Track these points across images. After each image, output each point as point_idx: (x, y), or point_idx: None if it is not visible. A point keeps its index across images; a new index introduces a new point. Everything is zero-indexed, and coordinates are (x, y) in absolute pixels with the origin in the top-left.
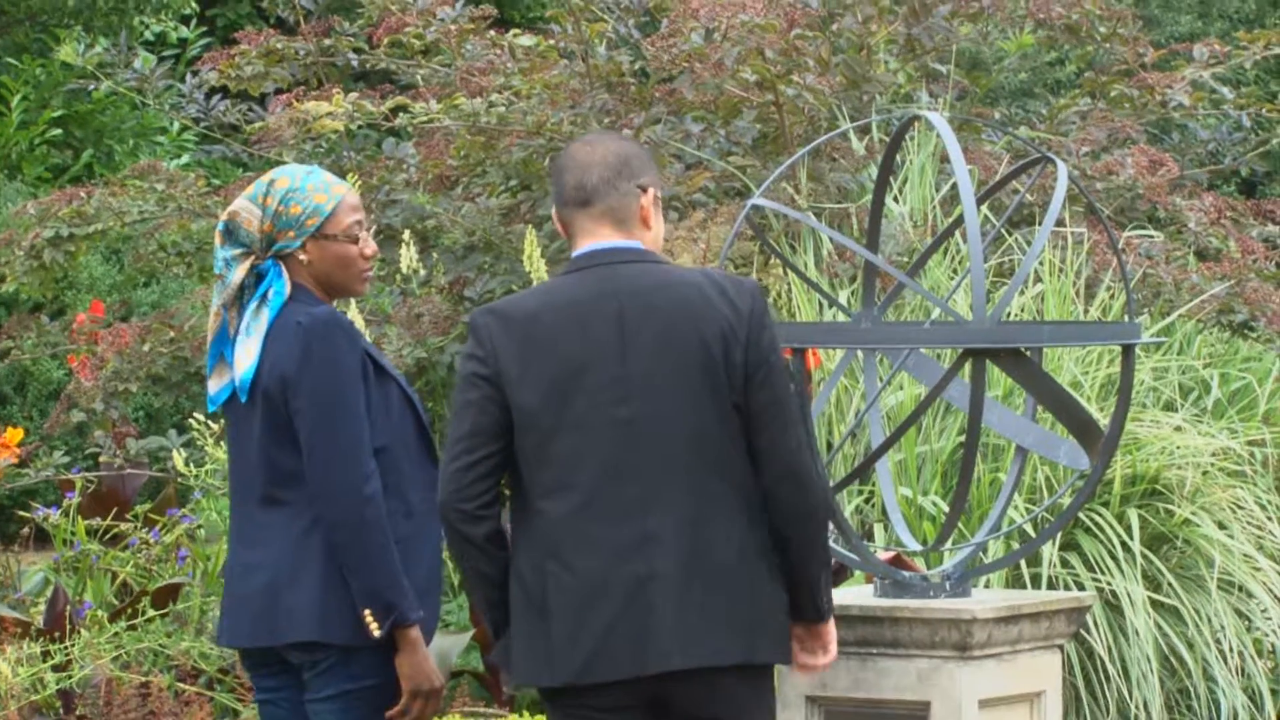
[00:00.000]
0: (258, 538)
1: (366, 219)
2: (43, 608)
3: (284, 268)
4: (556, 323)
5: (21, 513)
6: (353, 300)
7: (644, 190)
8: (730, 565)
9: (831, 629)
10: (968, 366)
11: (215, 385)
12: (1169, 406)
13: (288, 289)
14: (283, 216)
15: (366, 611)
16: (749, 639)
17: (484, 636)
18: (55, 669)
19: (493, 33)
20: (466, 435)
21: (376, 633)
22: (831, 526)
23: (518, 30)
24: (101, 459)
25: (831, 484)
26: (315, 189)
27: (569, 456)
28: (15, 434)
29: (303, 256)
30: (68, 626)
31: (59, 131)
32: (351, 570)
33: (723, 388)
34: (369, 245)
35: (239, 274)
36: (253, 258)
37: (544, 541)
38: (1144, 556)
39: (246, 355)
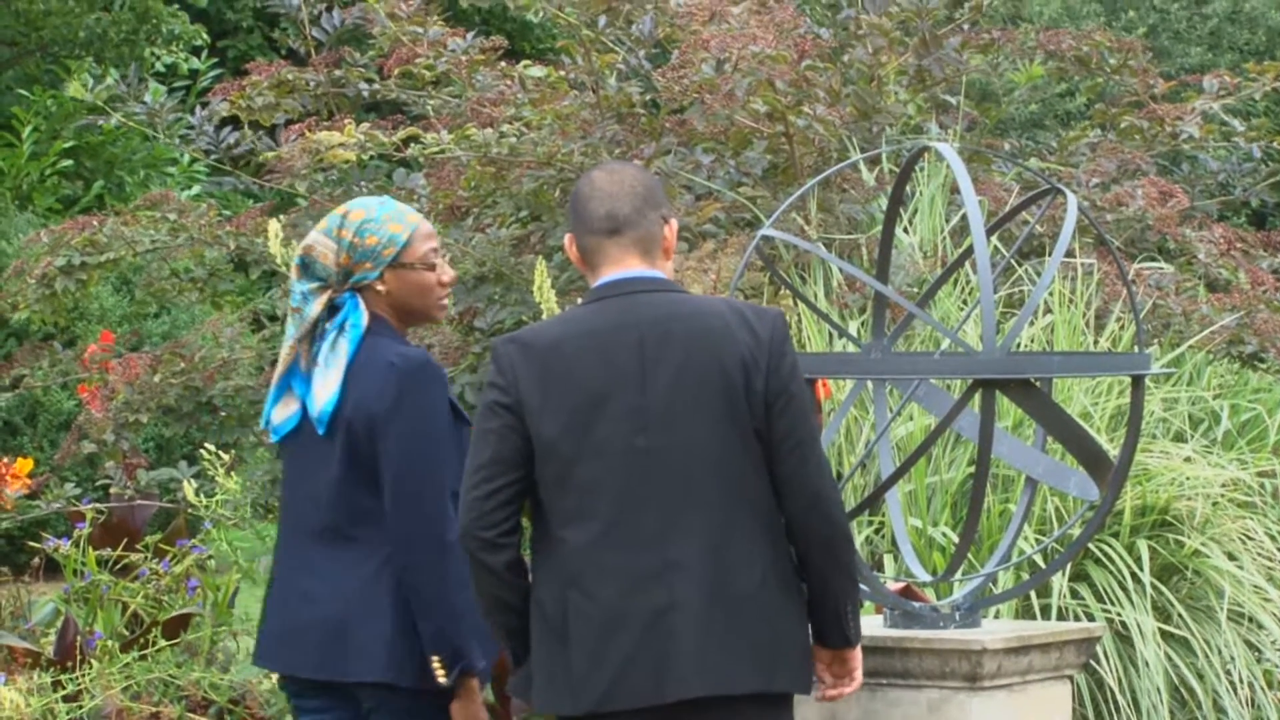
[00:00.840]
0: (320, 569)
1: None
2: (53, 638)
3: (361, 299)
4: (577, 352)
5: (32, 543)
6: None
7: (666, 221)
8: (752, 593)
9: (858, 655)
10: (978, 397)
11: (281, 416)
12: (1179, 437)
13: (365, 321)
14: (359, 248)
15: (435, 657)
16: (769, 667)
17: (496, 667)
18: (66, 699)
19: (503, 64)
20: (487, 463)
21: (443, 679)
22: None
23: (528, 61)
24: (112, 490)
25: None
26: (390, 219)
27: (589, 485)
28: (26, 465)
29: (381, 287)
30: (78, 657)
31: (70, 162)
32: (424, 615)
33: (743, 415)
34: (446, 272)
35: (317, 307)
36: (330, 290)
37: (564, 570)
38: (1154, 587)
39: (325, 388)
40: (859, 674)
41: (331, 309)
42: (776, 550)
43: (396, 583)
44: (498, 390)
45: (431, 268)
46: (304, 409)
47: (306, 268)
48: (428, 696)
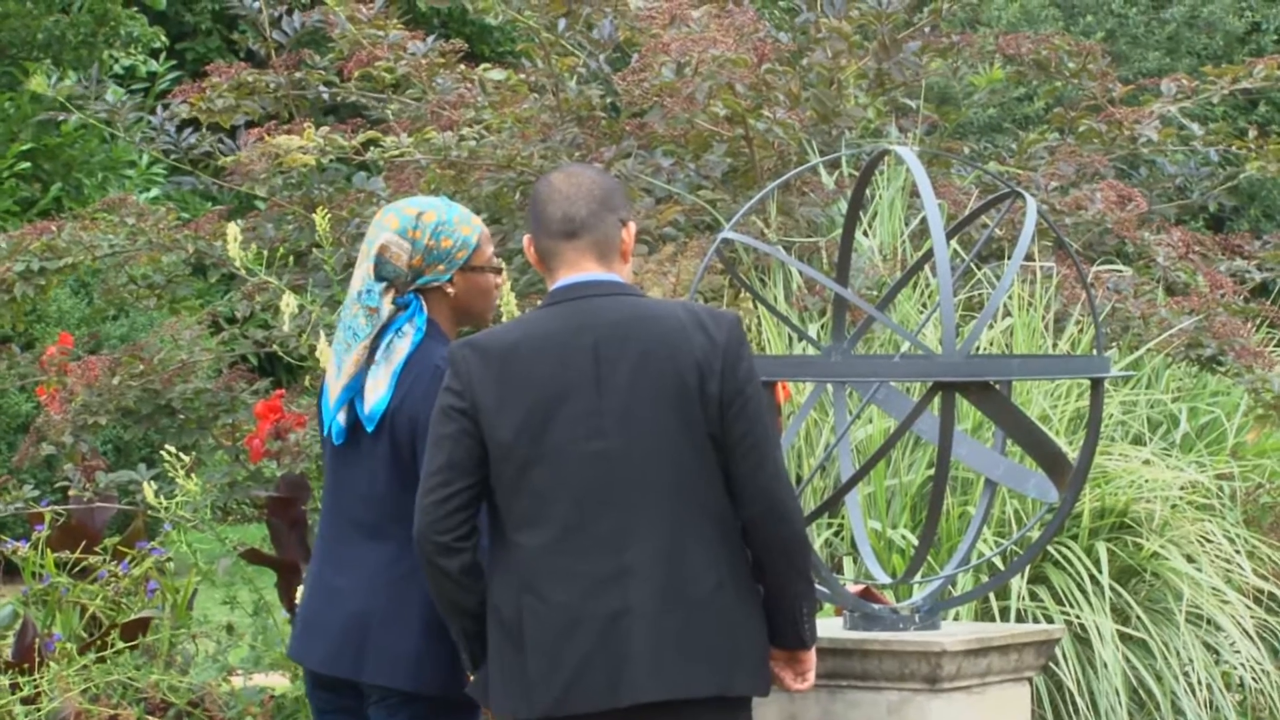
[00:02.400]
0: (350, 564)
1: (335, 253)
2: (11, 640)
3: (423, 301)
4: (533, 356)
5: None
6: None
7: (624, 224)
8: (708, 598)
9: (812, 657)
10: (937, 400)
11: (347, 417)
12: (1138, 440)
13: (426, 322)
14: (434, 250)
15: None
16: (726, 671)
17: None
18: (24, 702)
19: (463, 67)
20: (443, 468)
21: (473, 678)
22: None
23: (488, 64)
24: (71, 492)
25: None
26: (461, 221)
27: (544, 489)
28: None
29: (450, 289)
30: (36, 659)
31: (28, 165)
32: None
33: (698, 419)
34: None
35: (384, 306)
36: (394, 290)
37: (519, 574)
38: (1113, 590)
39: (377, 387)
40: (812, 675)
41: (398, 307)
42: (733, 554)
43: (426, 586)
44: (453, 395)
45: (498, 271)
46: (353, 407)
47: (378, 267)
48: (447, 705)
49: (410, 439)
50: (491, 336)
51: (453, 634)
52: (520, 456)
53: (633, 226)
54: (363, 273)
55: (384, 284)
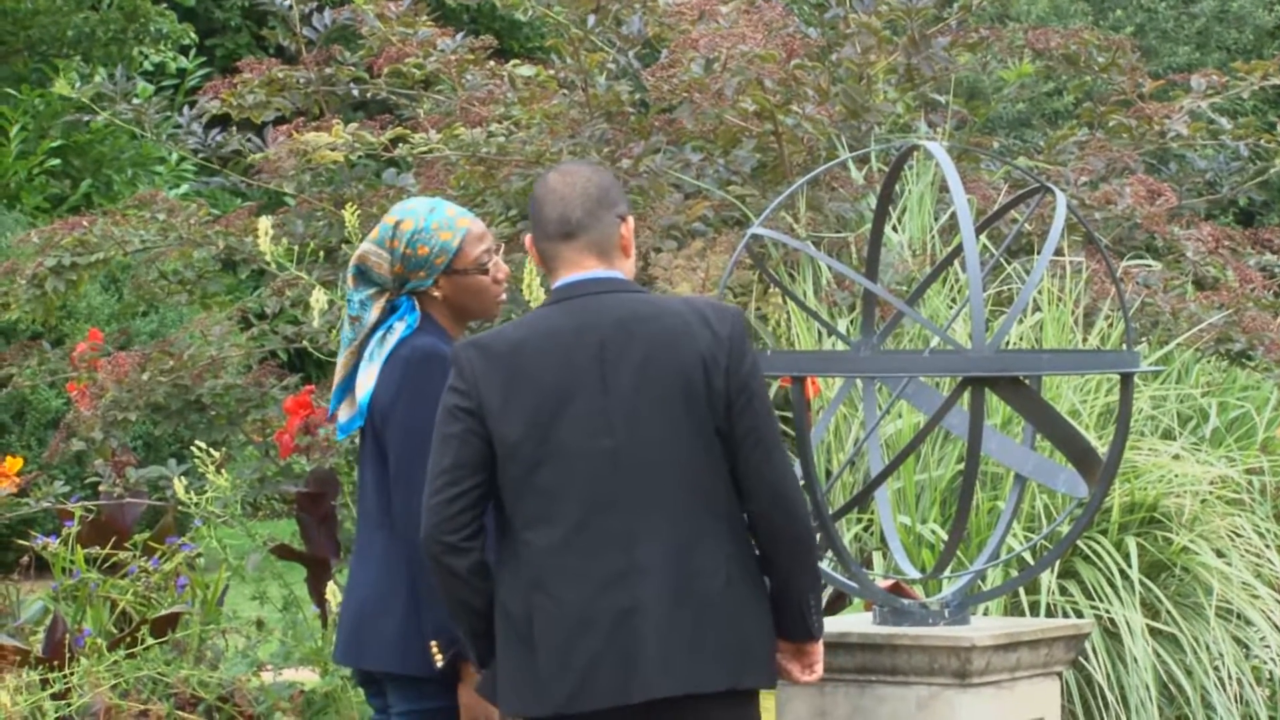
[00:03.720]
0: (360, 555)
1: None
2: (41, 636)
3: (417, 301)
4: (538, 354)
5: (20, 541)
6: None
7: (623, 219)
8: (718, 593)
9: (819, 649)
10: (967, 395)
11: (345, 415)
12: (1167, 435)
13: (418, 320)
14: (411, 259)
15: (434, 642)
16: (736, 665)
17: None
18: (54, 697)
19: (492, 63)
20: (450, 468)
21: (439, 663)
22: (830, 553)
23: (517, 61)
24: (101, 488)
25: (830, 512)
26: (440, 227)
27: (552, 488)
28: (14, 463)
29: (436, 293)
30: (66, 655)
31: (57, 161)
32: (428, 603)
33: (705, 415)
34: (500, 269)
35: (374, 313)
36: (387, 295)
37: (528, 573)
38: (1142, 584)
39: (365, 381)
40: (819, 667)
41: (390, 309)
42: (740, 549)
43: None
44: (458, 394)
45: (484, 271)
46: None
47: (363, 275)
48: (434, 684)
49: (383, 425)
50: (495, 336)
51: (461, 633)
52: (527, 455)
53: (631, 222)
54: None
55: (375, 289)
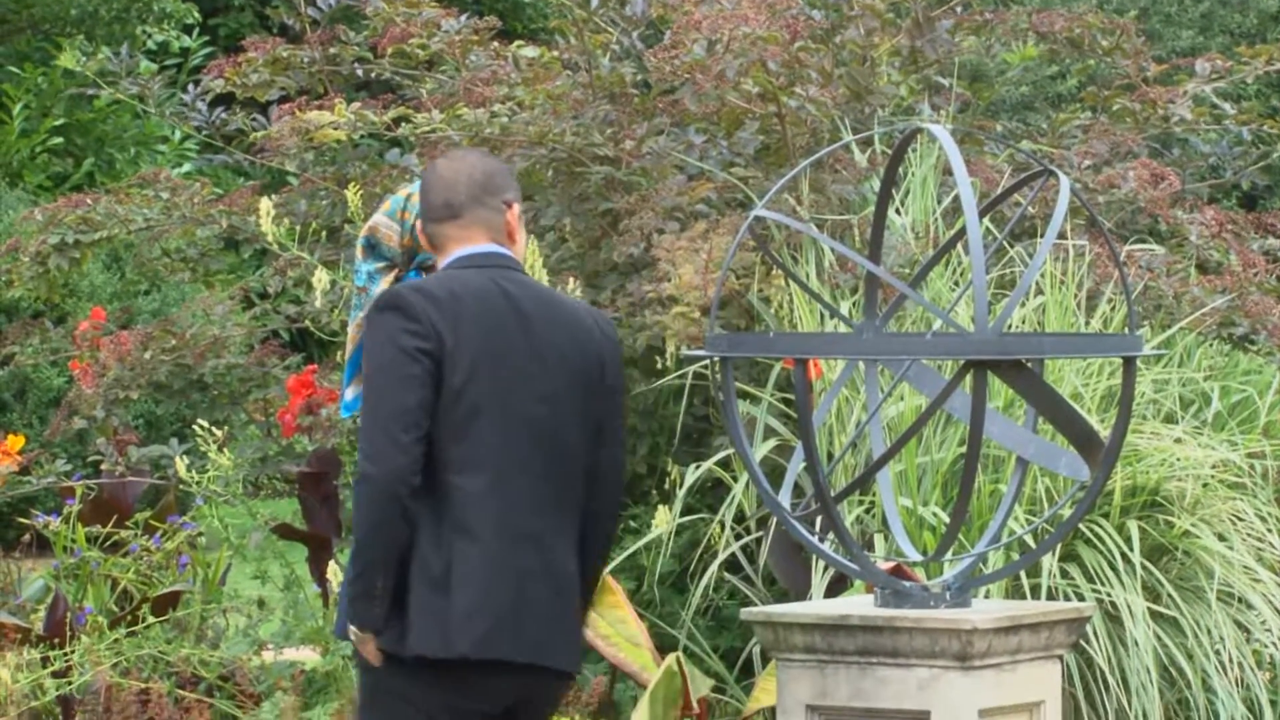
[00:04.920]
0: None
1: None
2: (43, 614)
3: (425, 276)
4: (475, 309)
5: (22, 519)
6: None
7: (509, 205)
8: (573, 579)
9: None
10: (969, 378)
11: (352, 393)
12: (1169, 418)
13: None
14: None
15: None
16: (578, 648)
17: None
18: (55, 675)
19: (496, 44)
20: (415, 407)
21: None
22: (832, 535)
23: (521, 41)
24: (103, 466)
25: (833, 494)
26: None
27: (487, 437)
28: (16, 441)
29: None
30: (67, 633)
31: (60, 139)
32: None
33: (594, 408)
34: None
35: (384, 285)
36: (396, 270)
37: (453, 515)
38: (1144, 568)
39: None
40: None
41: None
42: (578, 542)
43: None
44: (417, 337)
45: None
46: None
47: (372, 248)
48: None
49: None
50: (432, 285)
51: (375, 590)
52: (469, 402)
53: (517, 209)
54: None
55: (384, 264)
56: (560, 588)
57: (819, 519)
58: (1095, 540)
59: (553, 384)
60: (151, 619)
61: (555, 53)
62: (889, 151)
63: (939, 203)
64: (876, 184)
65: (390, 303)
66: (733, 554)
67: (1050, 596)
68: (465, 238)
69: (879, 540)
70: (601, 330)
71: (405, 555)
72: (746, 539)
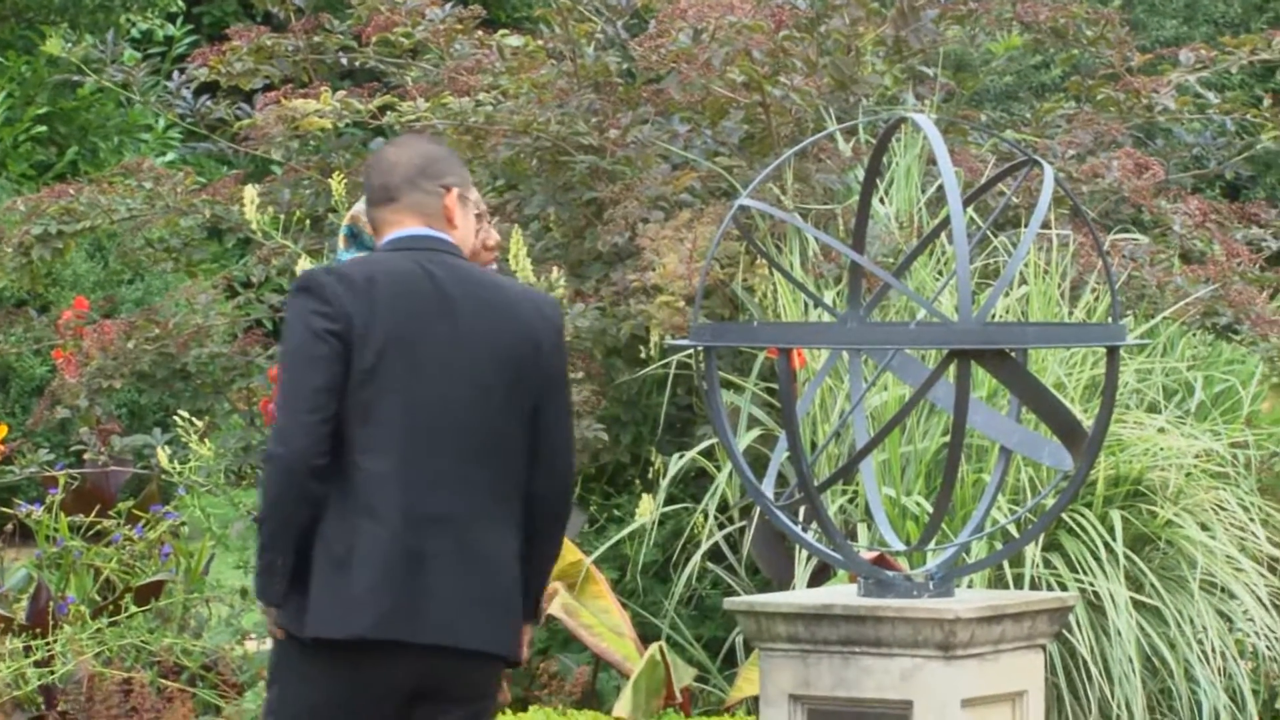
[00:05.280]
0: None
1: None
2: (25, 604)
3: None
4: (391, 292)
5: (4, 509)
6: None
7: (447, 190)
8: (506, 561)
9: (531, 633)
10: (953, 367)
11: None
12: (1153, 408)
13: None
14: None
15: None
16: (505, 633)
17: None
18: (37, 665)
19: (481, 33)
20: (320, 389)
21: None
22: (815, 525)
23: (505, 30)
24: (85, 455)
25: (816, 483)
26: None
27: (394, 419)
28: None
29: None
30: (50, 622)
31: (44, 128)
32: None
33: (527, 391)
34: (490, 236)
35: None
36: None
37: (358, 498)
38: (1126, 557)
39: None
40: (528, 651)
41: None
42: (519, 527)
43: None
44: (325, 319)
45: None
46: None
47: (355, 237)
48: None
49: None
50: (347, 268)
51: (275, 565)
52: (377, 385)
53: (455, 194)
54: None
55: (366, 252)
56: (481, 570)
57: (802, 508)
58: (1078, 530)
59: (476, 367)
60: (134, 608)
61: (540, 42)
62: (873, 141)
63: (923, 192)
64: (860, 174)
65: (303, 284)
66: (716, 543)
67: (1033, 586)
68: (398, 221)
69: (862, 530)
70: (541, 313)
71: (312, 534)
72: (730, 528)
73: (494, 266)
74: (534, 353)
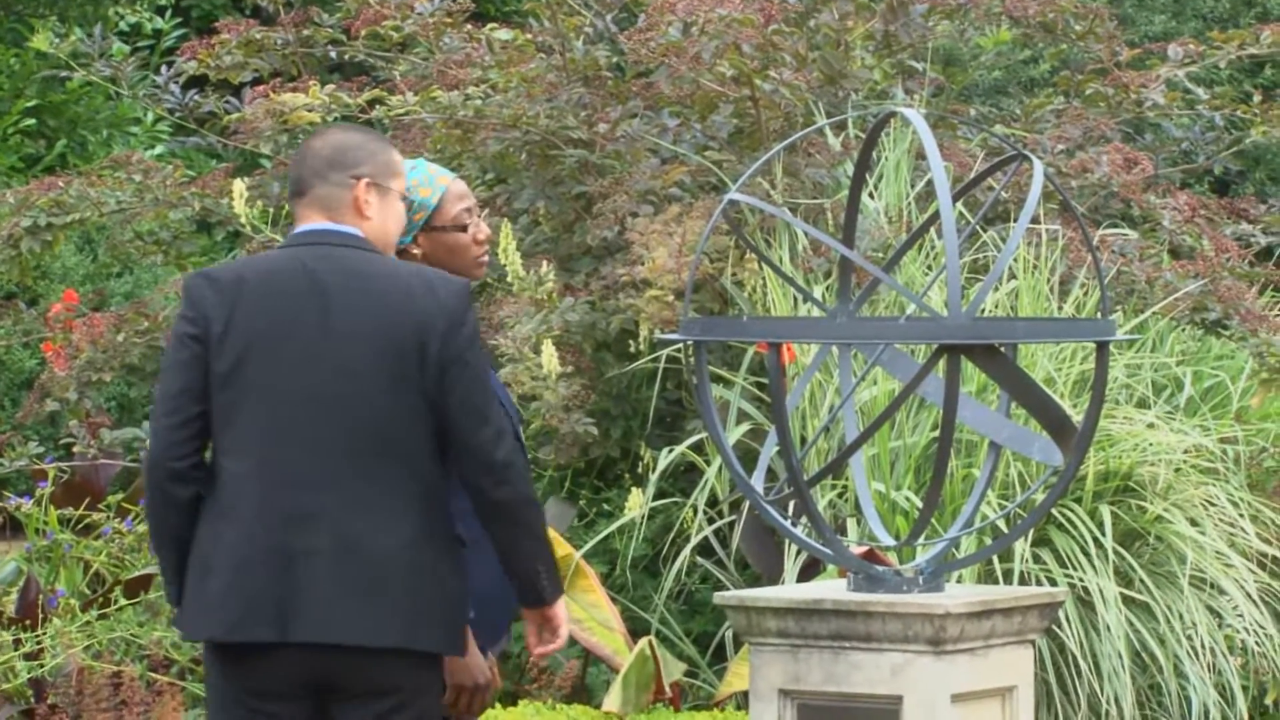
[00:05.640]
0: None
1: None
2: (15, 596)
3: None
4: (258, 291)
5: None
6: None
7: (357, 180)
8: (395, 552)
9: (559, 612)
10: (942, 362)
11: None
12: (1142, 403)
13: None
14: None
15: None
16: (409, 625)
17: None
18: (27, 657)
19: (470, 26)
20: (178, 393)
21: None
22: (805, 520)
23: (495, 24)
24: (75, 449)
25: (805, 478)
26: (419, 184)
27: (254, 420)
28: None
29: (415, 250)
30: (39, 615)
31: (32, 121)
32: None
33: (414, 378)
34: (481, 230)
35: None
36: None
37: (221, 499)
38: (1116, 553)
39: None
40: (563, 630)
41: None
42: (432, 513)
43: None
44: (187, 322)
45: (463, 228)
46: None
47: None
48: None
49: None
50: (224, 269)
51: (163, 568)
52: (237, 386)
53: (366, 183)
54: None
55: None
56: (361, 563)
57: (792, 503)
58: (1068, 525)
59: (349, 358)
60: (124, 602)
61: (529, 35)
62: (863, 136)
63: (912, 187)
64: (850, 168)
65: (181, 288)
66: (705, 538)
67: (1023, 581)
68: (304, 216)
69: (852, 525)
70: (435, 298)
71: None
72: (719, 523)
73: (484, 260)
74: (422, 338)
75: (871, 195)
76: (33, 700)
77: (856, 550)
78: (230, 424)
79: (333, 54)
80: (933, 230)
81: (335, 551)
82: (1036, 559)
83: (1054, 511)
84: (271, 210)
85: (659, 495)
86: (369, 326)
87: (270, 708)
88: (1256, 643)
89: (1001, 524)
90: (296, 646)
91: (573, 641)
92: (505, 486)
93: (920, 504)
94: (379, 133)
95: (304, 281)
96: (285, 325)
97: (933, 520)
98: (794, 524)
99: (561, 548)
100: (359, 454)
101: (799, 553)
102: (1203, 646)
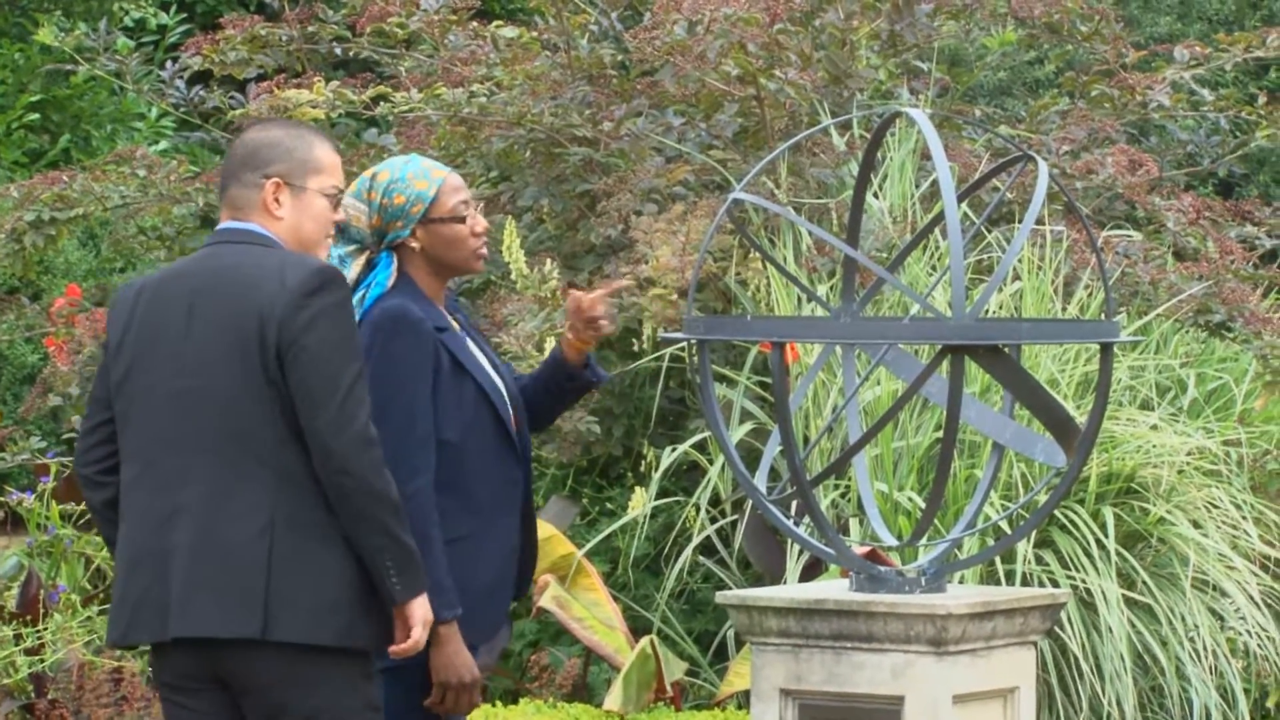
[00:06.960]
0: None
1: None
2: (16, 591)
3: (396, 258)
4: (150, 297)
5: None
6: None
7: (267, 179)
8: (248, 541)
9: (412, 612)
10: (946, 363)
11: None
12: (1146, 405)
13: (390, 281)
14: (389, 209)
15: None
16: (264, 615)
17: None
18: (27, 652)
19: (475, 24)
20: (91, 402)
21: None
22: (807, 519)
23: (500, 21)
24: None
25: (808, 478)
26: (415, 176)
27: (136, 426)
28: None
29: (414, 244)
30: (41, 610)
31: (37, 116)
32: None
33: (256, 365)
34: (478, 223)
35: (355, 269)
36: (368, 252)
37: (121, 506)
38: (1119, 554)
39: None
40: (416, 632)
41: (369, 268)
42: (291, 502)
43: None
44: (106, 333)
45: (461, 220)
46: None
47: (342, 232)
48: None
49: None
50: (144, 277)
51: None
52: (126, 394)
53: (274, 182)
54: None
55: (354, 246)
56: (215, 555)
57: (795, 503)
58: (1070, 526)
59: (205, 355)
60: None
61: (534, 33)
62: (867, 135)
63: (917, 187)
64: (855, 168)
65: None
66: (708, 537)
67: (1025, 582)
68: (222, 217)
69: (854, 525)
70: (283, 282)
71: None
72: (722, 522)
73: (483, 253)
74: (259, 325)
75: (876, 195)
76: (33, 695)
77: (859, 550)
78: (123, 431)
79: (338, 50)
80: (937, 230)
81: (194, 547)
82: (1039, 560)
83: (1056, 513)
84: None
85: (661, 494)
86: (222, 320)
87: (183, 700)
88: (1258, 645)
89: (1004, 525)
90: (175, 644)
91: (574, 640)
92: (344, 476)
93: (923, 504)
94: (311, 128)
95: (180, 285)
96: (159, 329)
97: (935, 521)
98: (796, 524)
99: (564, 546)
100: (213, 447)
101: (801, 552)
102: (1204, 649)
